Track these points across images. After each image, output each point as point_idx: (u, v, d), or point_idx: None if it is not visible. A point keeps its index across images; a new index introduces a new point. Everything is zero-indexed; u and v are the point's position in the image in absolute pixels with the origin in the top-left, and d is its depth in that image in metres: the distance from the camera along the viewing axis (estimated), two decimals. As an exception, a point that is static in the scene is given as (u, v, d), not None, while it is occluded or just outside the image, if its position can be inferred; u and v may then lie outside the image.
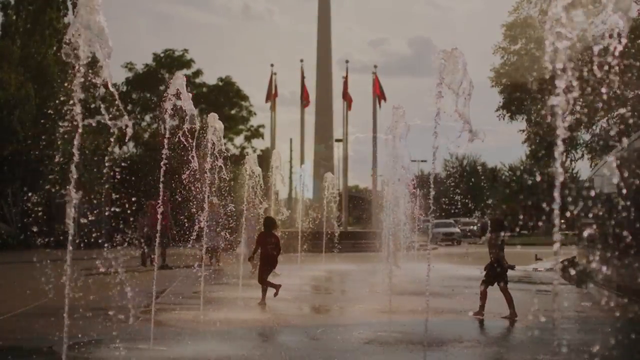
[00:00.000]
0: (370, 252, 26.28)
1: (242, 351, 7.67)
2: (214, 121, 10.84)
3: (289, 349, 7.88)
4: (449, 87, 6.34)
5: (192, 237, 10.33)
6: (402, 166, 11.72)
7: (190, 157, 9.44)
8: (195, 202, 12.13)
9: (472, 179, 67.38)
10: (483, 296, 10.34)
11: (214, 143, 10.72)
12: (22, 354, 7.25)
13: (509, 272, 10.57)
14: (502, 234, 10.51)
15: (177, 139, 8.96)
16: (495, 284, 10.34)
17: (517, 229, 57.10)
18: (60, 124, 5.52)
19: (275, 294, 11.75)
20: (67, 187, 5.51)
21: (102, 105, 5.42)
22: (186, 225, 14.18)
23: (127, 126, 5.57)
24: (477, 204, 62.05)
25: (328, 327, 9.48)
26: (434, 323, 8.26)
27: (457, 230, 46.26)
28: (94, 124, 5.43)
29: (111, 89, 5.49)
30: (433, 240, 38.88)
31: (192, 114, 8.61)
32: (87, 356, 7.10)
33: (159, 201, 8.66)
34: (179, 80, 8.35)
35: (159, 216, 8.81)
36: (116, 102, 5.48)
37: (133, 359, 7.09)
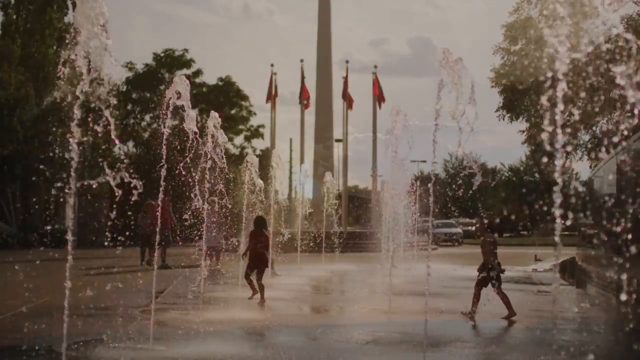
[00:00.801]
0: (370, 252, 26.26)
1: (242, 351, 7.68)
2: (217, 131, 10.60)
3: (288, 349, 7.89)
4: (452, 116, 6.30)
5: (194, 237, 10.30)
6: (401, 167, 11.73)
7: (193, 195, 9.41)
8: (195, 203, 12.13)
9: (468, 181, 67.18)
10: (476, 298, 10.33)
11: (215, 162, 10.60)
12: (22, 354, 7.25)
13: (505, 274, 10.57)
14: (495, 235, 10.52)
15: (177, 168, 8.92)
16: (489, 286, 10.33)
17: (517, 229, 57.09)
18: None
19: (251, 298, 11.89)
20: (67, 187, 5.47)
21: (105, 164, 5.30)
22: (188, 223, 14.15)
23: (135, 187, 5.47)
24: (476, 205, 61.97)
25: (328, 327, 9.48)
26: (433, 323, 8.26)
27: (458, 230, 45.73)
28: (94, 185, 5.29)
29: (116, 141, 5.29)
30: (434, 240, 38.79)
31: (197, 141, 8.50)
32: (87, 356, 7.11)
33: (159, 201, 8.65)
34: (180, 85, 8.10)
35: (158, 215, 8.80)
36: (124, 160, 5.36)
37: (133, 359, 7.10)
